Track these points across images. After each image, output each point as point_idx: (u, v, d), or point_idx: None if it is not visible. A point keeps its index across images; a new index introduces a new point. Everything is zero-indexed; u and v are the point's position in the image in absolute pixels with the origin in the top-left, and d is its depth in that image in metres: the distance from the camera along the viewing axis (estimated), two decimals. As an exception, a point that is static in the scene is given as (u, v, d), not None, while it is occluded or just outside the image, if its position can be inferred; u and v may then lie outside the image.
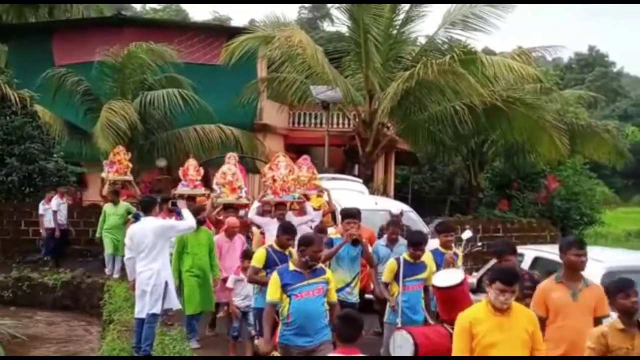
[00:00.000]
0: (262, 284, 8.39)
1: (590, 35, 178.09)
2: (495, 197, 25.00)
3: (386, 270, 9.08)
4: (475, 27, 19.93)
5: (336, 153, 24.77)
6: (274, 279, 7.14)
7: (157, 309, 9.39)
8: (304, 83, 20.28)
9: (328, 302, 7.23)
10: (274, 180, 12.10)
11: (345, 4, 20.08)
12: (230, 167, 13.50)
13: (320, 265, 7.44)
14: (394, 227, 10.82)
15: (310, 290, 7.08)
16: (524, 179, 24.63)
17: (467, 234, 12.81)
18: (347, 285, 9.55)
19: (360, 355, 5.65)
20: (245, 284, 9.82)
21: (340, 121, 26.60)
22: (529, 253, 9.98)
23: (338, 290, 8.44)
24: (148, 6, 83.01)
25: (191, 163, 14.80)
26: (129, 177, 16.25)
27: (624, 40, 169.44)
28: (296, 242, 7.96)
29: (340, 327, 5.77)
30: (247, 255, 10.03)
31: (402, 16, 20.75)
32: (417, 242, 9.03)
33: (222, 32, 26.10)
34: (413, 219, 14.46)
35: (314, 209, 12.27)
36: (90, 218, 18.84)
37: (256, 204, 12.29)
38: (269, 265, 8.31)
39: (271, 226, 11.17)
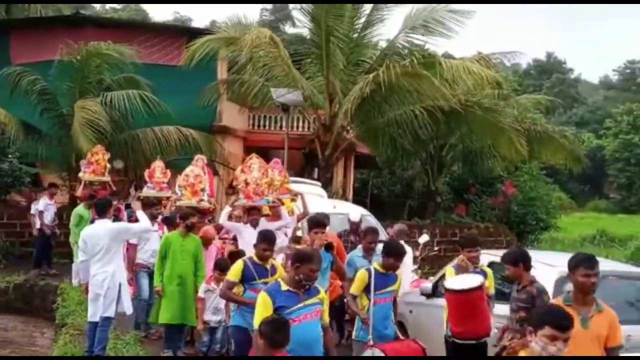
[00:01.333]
0: (237, 302, 7.94)
1: (548, 42, 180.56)
2: (453, 202, 25.19)
3: (356, 282, 8.25)
4: (435, 31, 20.04)
5: (295, 156, 24.73)
6: (264, 300, 6.19)
7: (110, 312, 9.30)
8: (265, 85, 20.22)
9: (321, 326, 6.49)
10: (247, 184, 11.54)
11: (307, 6, 20.06)
12: (193, 169, 12.89)
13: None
14: (371, 235, 9.95)
15: (308, 313, 6.30)
16: (481, 184, 24.86)
17: (424, 238, 12.92)
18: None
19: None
20: (217, 296, 9.29)
21: (300, 124, 26.56)
22: (484, 258, 10.01)
23: None
24: (108, 5, 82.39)
25: (158, 165, 14.34)
26: (107, 178, 15.53)
27: (582, 47, 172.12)
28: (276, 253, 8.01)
29: (270, 333, 5.56)
30: (219, 266, 9.61)
31: (363, 19, 20.81)
32: (399, 252, 8.36)
33: (183, 32, 25.94)
34: (372, 224, 14.41)
35: None
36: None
37: (227, 208, 11.83)
38: (246, 279, 7.82)
39: (244, 232, 10.85)
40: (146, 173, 14.34)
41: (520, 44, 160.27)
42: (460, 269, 8.34)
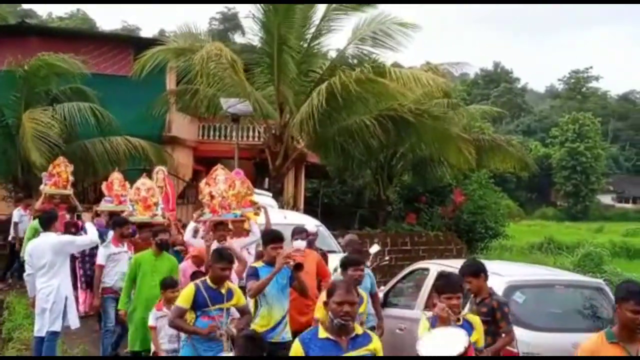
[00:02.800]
0: (187, 332, 7.11)
1: (495, 52, 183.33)
2: (404, 211, 25.32)
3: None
4: (383, 44, 20.10)
5: (246, 166, 24.52)
6: (295, 351, 5.19)
7: (57, 327, 9.16)
8: (215, 95, 20.11)
9: None
10: (212, 197, 10.57)
11: (259, 14, 19.98)
12: (145, 181, 12.01)
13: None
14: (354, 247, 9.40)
15: None
16: (431, 192, 25.05)
17: (375, 248, 12.92)
18: (281, 321, 7.79)
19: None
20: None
21: (251, 134, 26.49)
22: (433, 267, 10.08)
23: (271, 330, 7.60)
24: (54, 14, 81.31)
25: (116, 177, 13.65)
26: (69, 191, 14.78)
27: (528, 57, 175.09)
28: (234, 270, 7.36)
29: (244, 348, 5.61)
30: (167, 284, 8.65)
31: (313, 29, 20.82)
32: (356, 262, 8.01)
33: (131, 42, 25.72)
34: (323, 235, 14.40)
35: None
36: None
37: (192, 224, 10.67)
38: (198, 305, 6.98)
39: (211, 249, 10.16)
40: (104, 185, 13.70)
41: (467, 54, 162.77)
42: (440, 321, 6.14)
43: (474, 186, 25.57)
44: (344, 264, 8.04)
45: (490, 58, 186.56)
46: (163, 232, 9.74)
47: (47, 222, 9.63)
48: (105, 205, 13.31)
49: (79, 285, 12.80)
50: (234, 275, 8.52)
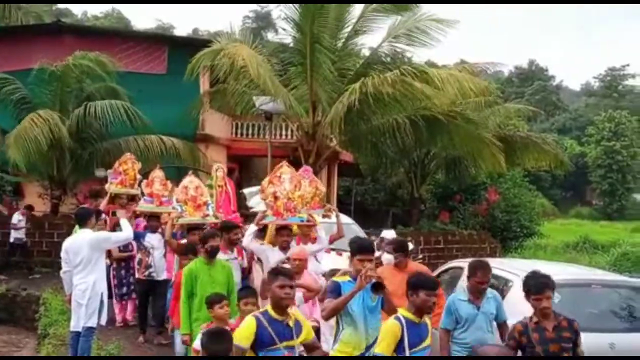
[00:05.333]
0: None
1: (530, 49, 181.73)
2: (437, 209, 25.25)
3: (386, 339, 6.03)
4: (418, 40, 20.01)
5: (279, 164, 24.68)
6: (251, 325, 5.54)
7: (93, 322, 9.24)
8: (247, 94, 20.17)
9: None
10: (276, 198, 9.74)
11: (291, 14, 19.98)
12: (192, 179, 11.07)
13: None
14: (482, 271, 7.55)
15: None
16: (465, 191, 24.92)
17: (408, 246, 12.84)
18: (366, 350, 6.42)
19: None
20: None
21: (284, 132, 26.55)
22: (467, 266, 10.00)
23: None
24: (89, 13, 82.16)
25: (157, 175, 12.25)
26: (136, 191, 13.17)
27: (563, 54, 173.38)
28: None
29: (208, 344, 5.48)
30: (212, 300, 7.51)
31: (348, 29, 20.80)
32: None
33: (165, 41, 25.90)
34: (356, 232, 14.37)
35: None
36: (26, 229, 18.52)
37: (252, 227, 9.84)
38: (261, 344, 5.67)
39: (272, 257, 9.37)
40: (143, 184, 12.40)
41: (502, 51, 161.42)
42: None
43: (508, 184, 25.40)
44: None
45: (525, 55, 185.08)
46: (212, 237, 8.68)
47: (83, 218, 9.70)
48: (145, 206, 12.05)
49: (113, 295, 12.38)
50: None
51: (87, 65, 19.26)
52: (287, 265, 8.31)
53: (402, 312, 6.08)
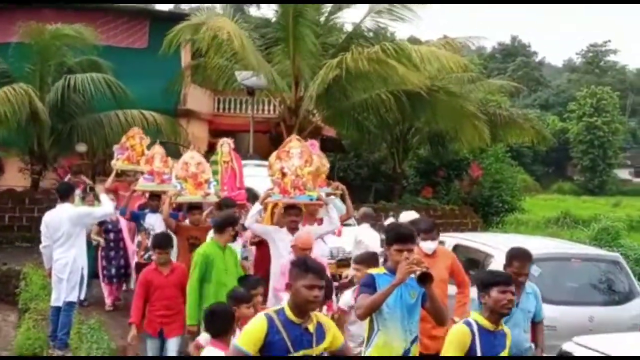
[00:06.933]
0: None
1: (513, 25, 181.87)
2: (420, 184, 25.28)
3: (453, 346, 5.20)
4: (401, 16, 19.94)
5: (261, 139, 24.58)
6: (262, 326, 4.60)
7: (73, 297, 9.25)
8: (229, 68, 20.06)
9: None
10: (283, 174, 8.97)
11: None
12: (193, 155, 10.34)
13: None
14: (520, 261, 6.57)
15: None
16: (447, 166, 24.94)
17: (390, 221, 12.86)
18: (405, 353, 5.55)
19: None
20: None
21: (266, 107, 26.47)
22: (449, 240, 10.06)
23: None
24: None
25: (157, 151, 11.30)
26: (143, 168, 11.72)
27: (545, 30, 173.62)
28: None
29: (208, 323, 5.47)
30: (239, 298, 6.36)
31: (331, 3, 20.72)
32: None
33: (146, 15, 25.59)
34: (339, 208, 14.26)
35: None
36: (6, 204, 18.48)
37: (257, 206, 9.08)
38: (271, 350, 4.60)
39: (278, 239, 8.61)
40: (143, 160, 11.59)
41: (485, 27, 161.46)
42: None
43: (490, 160, 25.44)
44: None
45: (507, 31, 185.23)
46: (234, 221, 8.19)
47: (64, 193, 9.64)
48: (144, 184, 11.09)
49: (100, 277, 12.22)
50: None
51: (67, 36, 19.00)
52: (292, 255, 7.82)
53: (475, 317, 5.22)
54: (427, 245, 7.37)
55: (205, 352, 5.73)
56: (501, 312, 5.13)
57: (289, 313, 4.64)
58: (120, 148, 12.41)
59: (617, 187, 72.40)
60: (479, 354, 5.01)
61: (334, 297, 7.40)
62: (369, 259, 6.95)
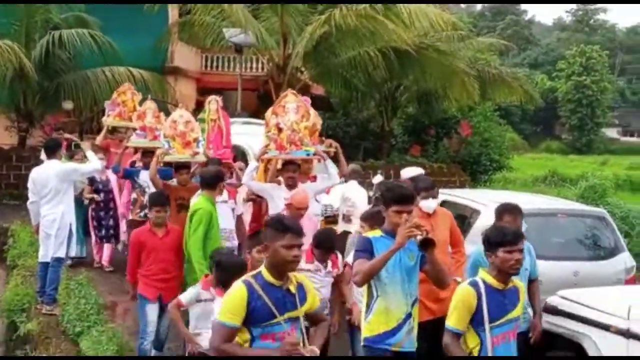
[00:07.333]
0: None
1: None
2: (408, 143, 25.28)
3: (458, 309, 5.02)
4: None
5: (250, 97, 24.50)
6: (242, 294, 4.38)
7: (61, 253, 9.27)
8: (217, 25, 19.90)
9: None
10: (279, 130, 8.79)
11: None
12: (182, 113, 10.00)
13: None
14: (510, 215, 6.58)
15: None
16: (435, 124, 24.93)
17: (378, 178, 12.90)
18: (405, 321, 5.45)
19: None
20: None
21: (254, 65, 26.35)
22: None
23: (389, 334, 5.42)
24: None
25: (149, 107, 11.14)
26: (135, 124, 11.37)
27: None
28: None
29: (220, 270, 5.57)
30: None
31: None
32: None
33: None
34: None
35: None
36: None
37: (253, 164, 9.04)
38: (255, 319, 4.34)
39: (277, 196, 8.48)
40: (134, 116, 11.38)
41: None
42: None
43: (479, 118, 25.44)
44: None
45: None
46: (221, 177, 8.22)
47: (51, 149, 9.62)
48: (137, 141, 10.95)
49: (92, 236, 12.17)
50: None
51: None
52: (286, 212, 7.70)
53: (483, 275, 5.03)
54: (428, 204, 7.12)
55: (216, 304, 5.69)
56: (509, 272, 4.96)
57: (267, 276, 4.41)
58: (111, 104, 12.22)
59: (604, 146, 72.72)
60: (485, 315, 4.87)
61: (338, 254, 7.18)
62: (374, 217, 6.58)
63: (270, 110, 9.09)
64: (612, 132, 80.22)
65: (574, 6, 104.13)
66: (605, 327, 6.47)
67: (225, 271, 5.90)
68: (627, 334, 6.28)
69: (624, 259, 9.01)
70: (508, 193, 12.65)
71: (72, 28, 18.97)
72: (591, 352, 6.58)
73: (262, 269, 4.45)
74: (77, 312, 8.56)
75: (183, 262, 7.70)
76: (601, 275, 8.47)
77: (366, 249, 5.35)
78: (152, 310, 7.55)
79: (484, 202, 9.10)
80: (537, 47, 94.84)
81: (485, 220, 7.98)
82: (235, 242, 9.06)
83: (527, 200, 9.59)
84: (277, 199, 8.38)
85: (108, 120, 12.08)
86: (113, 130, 12.35)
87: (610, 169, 42.30)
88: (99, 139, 12.13)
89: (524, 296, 5.22)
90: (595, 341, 6.54)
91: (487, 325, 4.88)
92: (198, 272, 7.29)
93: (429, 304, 6.62)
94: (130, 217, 10.79)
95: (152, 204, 7.72)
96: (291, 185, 8.44)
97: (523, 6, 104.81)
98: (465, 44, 23.78)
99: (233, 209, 9.30)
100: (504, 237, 4.95)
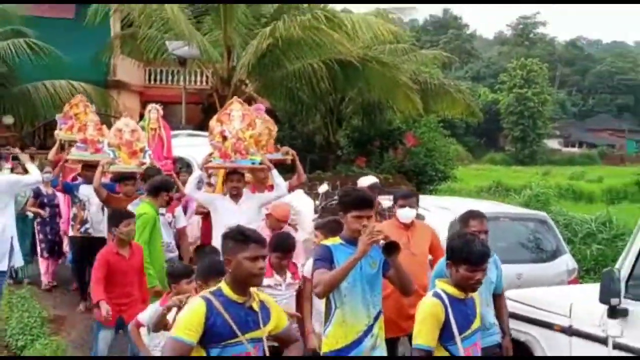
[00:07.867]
0: None
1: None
2: (354, 154, 25.37)
3: (426, 323, 4.61)
4: (333, -16, 19.94)
5: (194, 110, 24.37)
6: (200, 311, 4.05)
7: (3, 266, 9.03)
8: (160, 38, 19.77)
9: None
10: (224, 138, 8.54)
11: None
12: (128, 122, 9.73)
13: None
14: (477, 219, 6.24)
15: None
16: (381, 136, 25.10)
17: (323, 188, 12.94)
18: (367, 332, 5.11)
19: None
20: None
21: (198, 78, 26.24)
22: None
23: (352, 346, 5.05)
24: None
25: (91, 119, 10.77)
26: (77, 137, 10.92)
27: (476, 3, 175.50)
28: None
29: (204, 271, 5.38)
30: (179, 273, 6.19)
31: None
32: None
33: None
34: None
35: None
36: None
37: (196, 173, 8.85)
38: (213, 337, 4.00)
39: (221, 207, 8.28)
40: (76, 128, 10.92)
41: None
42: None
43: (423, 129, 25.68)
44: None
45: (439, 5, 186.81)
46: (170, 187, 8.26)
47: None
48: (77, 154, 10.39)
49: (38, 252, 11.83)
50: None
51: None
52: (263, 224, 7.54)
53: (443, 286, 4.68)
54: (405, 213, 6.86)
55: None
56: (467, 289, 4.68)
57: (227, 292, 4.08)
58: (63, 117, 11.65)
59: (547, 156, 74.12)
60: (454, 326, 4.52)
61: (299, 265, 6.94)
62: (330, 225, 6.31)
63: (215, 117, 8.89)
64: (553, 143, 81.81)
65: (514, 20, 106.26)
66: (549, 326, 6.58)
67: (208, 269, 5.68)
68: (569, 332, 6.39)
69: (566, 261, 9.19)
70: (451, 199, 12.81)
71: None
72: (536, 351, 6.68)
73: (222, 284, 4.14)
74: (20, 325, 8.41)
75: (144, 281, 7.48)
76: (544, 277, 8.60)
77: (326, 258, 5.04)
78: (104, 340, 7.19)
79: (427, 207, 9.17)
80: (479, 60, 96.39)
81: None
82: (176, 253, 8.92)
83: (470, 205, 9.69)
84: (223, 210, 8.14)
85: (60, 134, 11.47)
86: (65, 144, 11.64)
87: (553, 179, 43.03)
88: (51, 154, 11.62)
89: (479, 308, 4.89)
90: (539, 340, 6.64)
91: (458, 338, 4.54)
92: (149, 282, 7.31)
93: (399, 322, 6.46)
94: (72, 234, 10.49)
95: (120, 219, 7.24)
96: (235, 196, 8.23)
97: (465, 20, 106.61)
98: (408, 57, 24.04)
99: (170, 222, 9.04)
100: (469, 255, 4.57)
